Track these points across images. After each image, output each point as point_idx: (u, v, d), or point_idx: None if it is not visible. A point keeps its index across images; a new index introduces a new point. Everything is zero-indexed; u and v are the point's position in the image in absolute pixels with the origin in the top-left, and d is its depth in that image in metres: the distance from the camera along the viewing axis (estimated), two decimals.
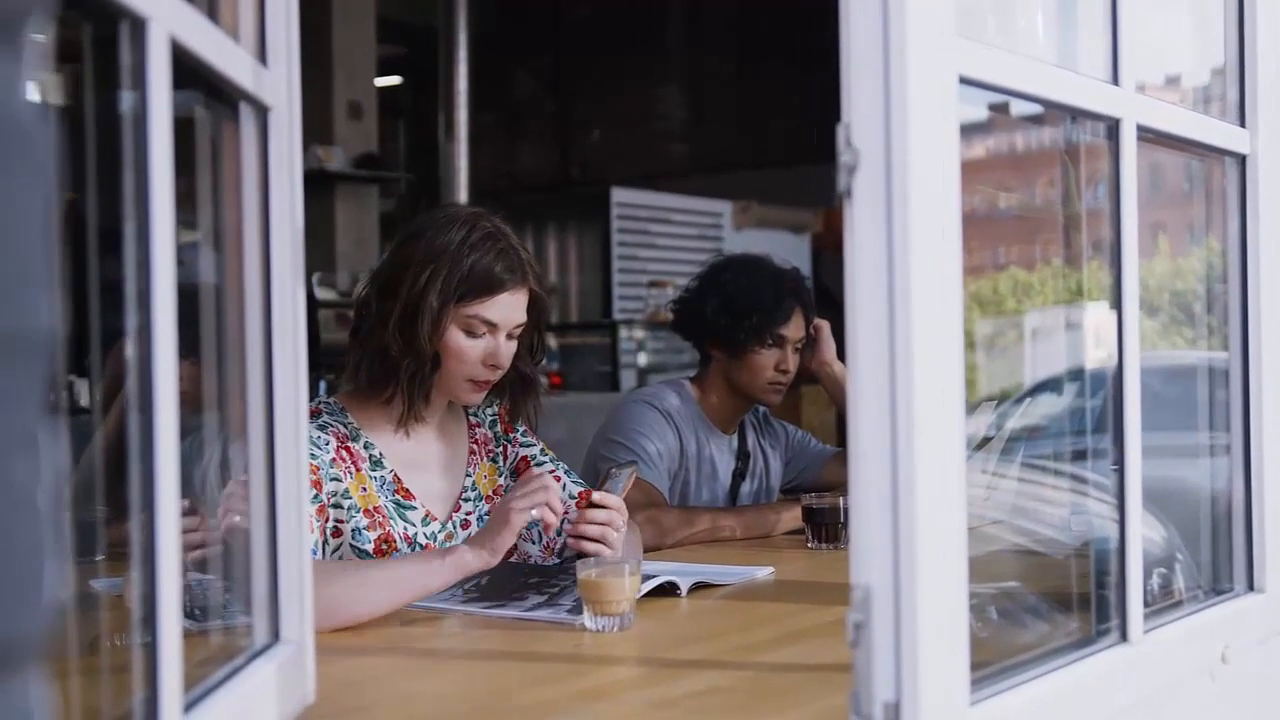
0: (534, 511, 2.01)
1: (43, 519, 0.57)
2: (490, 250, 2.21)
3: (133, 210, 1.03)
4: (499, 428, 2.46)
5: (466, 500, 2.37)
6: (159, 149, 1.03)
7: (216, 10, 1.28)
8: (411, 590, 1.99)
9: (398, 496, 2.26)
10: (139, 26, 1.01)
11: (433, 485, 2.33)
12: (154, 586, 1.02)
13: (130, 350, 1.03)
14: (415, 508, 2.27)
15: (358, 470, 2.22)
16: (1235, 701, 1.76)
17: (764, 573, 2.38)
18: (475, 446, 2.41)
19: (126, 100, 1.03)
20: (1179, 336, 2.13)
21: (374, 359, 2.23)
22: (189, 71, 1.13)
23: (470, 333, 2.22)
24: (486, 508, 2.37)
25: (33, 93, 0.60)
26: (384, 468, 2.26)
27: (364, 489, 2.21)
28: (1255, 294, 1.84)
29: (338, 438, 2.21)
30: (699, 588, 2.21)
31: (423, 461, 2.32)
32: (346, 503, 2.18)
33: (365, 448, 2.25)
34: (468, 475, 2.38)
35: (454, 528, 2.32)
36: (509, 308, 2.23)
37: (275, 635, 1.39)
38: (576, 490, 2.43)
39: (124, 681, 1.12)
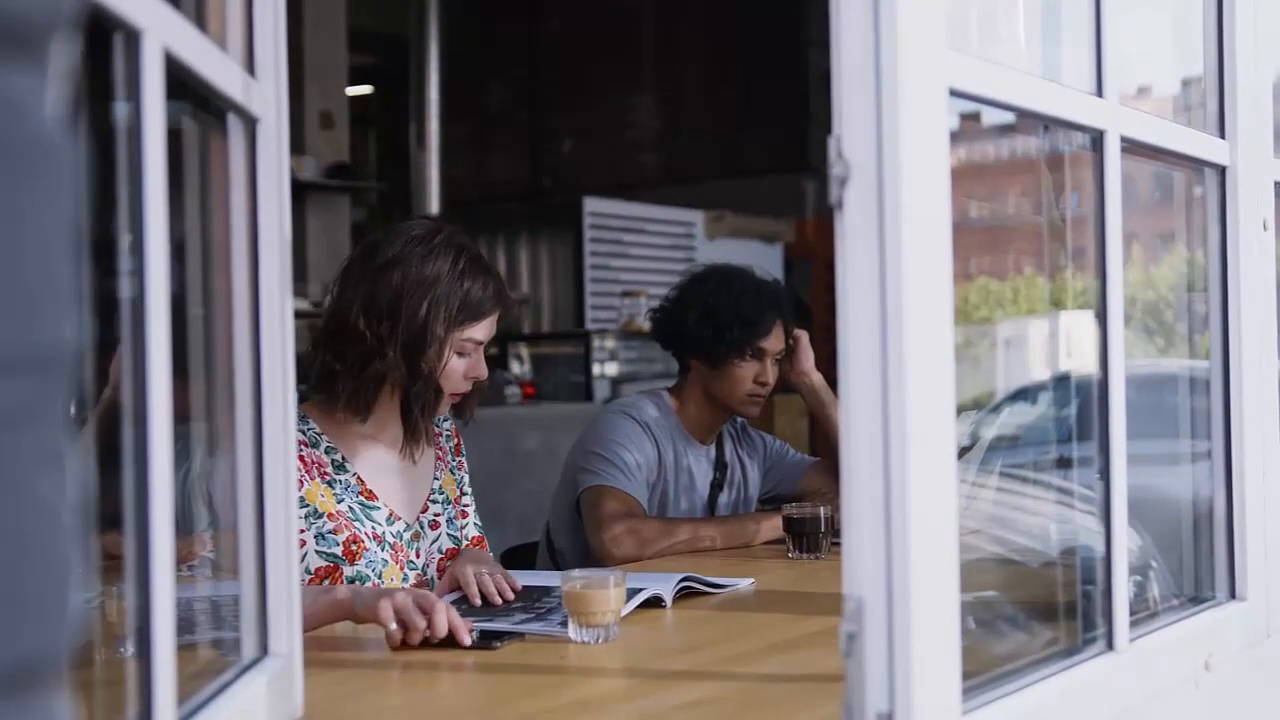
0: (393, 625, 1.83)
1: (68, 535, 0.57)
2: (480, 276, 2.32)
3: (126, 221, 1.02)
4: (451, 444, 2.54)
5: (435, 502, 2.43)
6: (153, 160, 1.02)
7: (204, 20, 1.28)
8: None
9: (361, 498, 2.30)
10: (133, 38, 1.00)
11: (399, 488, 2.37)
12: (148, 601, 1.01)
13: (125, 362, 1.02)
14: (379, 508, 2.32)
15: (312, 478, 2.26)
16: (1219, 709, 1.77)
17: (746, 583, 2.38)
18: (440, 453, 2.49)
19: (120, 111, 1.02)
20: (1151, 346, 2.14)
21: (374, 385, 2.28)
22: (178, 82, 1.13)
23: (461, 353, 2.32)
24: (453, 511, 2.46)
25: (56, 108, 0.59)
26: (348, 471, 2.31)
27: (322, 495, 2.25)
28: (1235, 303, 1.85)
29: None
30: (685, 595, 2.21)
31: (388, 465, 2.37)
32: (304, 510, 2.21)
33: (327, 453, 2.30)
34: (435, 478, 2.45)
35: (422, 527, 2.39)
36: (492, 325, 2.36)
37: (264, 649, 1.38)
38: (473, 534, 2.50)
39: (112, 695, 1.12)
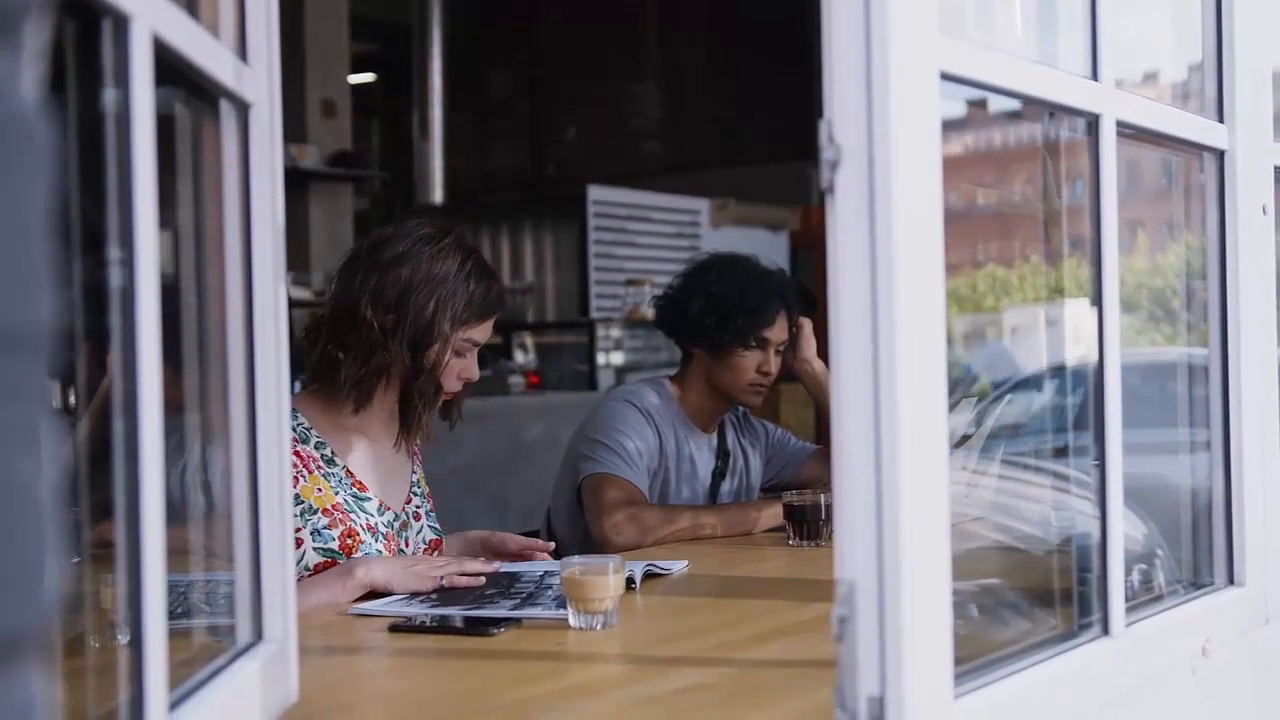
0: (444, 581, 2.15)
1: (45, 514, 0.58)
2: (484, 279, 2.36)
3: (115, 209, 1.02)
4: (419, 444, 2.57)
5: (416, 494, 2.48)
6: (142, 146, 1.02)
7: (196, 6, 1.28)
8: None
9: (354, 489, 2.34)
10: (121, 24, 1.00)
11: (385, 480, 2.41)
12: (139, 587, 1.02)
13: (114, 352, 1.02)
14: (370, 498, 2.36)
15: (310, 473, 2.28)
16: (1216, 694, 1.77)
17: (679, 566, 2.41)
18: (417, 450, 2.53)
19: (108, 97, 1.02)
20: (1157, 333, 2.13)
21: (376, 376, 2.31)
22: (169, 68, 1.13)
23: (459, 353, 2.35)
24: (429, 505, 2.51)
25: (31, 89, 0.59)
26: (337, 465, 2.34)
27: (319, 489, 2.29)
28: (1234, 289, 1.85)
29: None
30: (648, 577, 2.26)
31: (374, 458, 2.41)
32: (299, 507, 2.23)
33: (316, 448, 2.33)
34: (414, 472, 2.50)
35: (407, 517, 2.44)
36: (489, 328, 2.40)
37: (258, 634, 1.39)
38: (430, 536, 2.50)
39: (106, 682, 1.12)
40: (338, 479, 2.31)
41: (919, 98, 1.21)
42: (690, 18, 9.79)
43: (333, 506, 2.27)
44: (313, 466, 2.29)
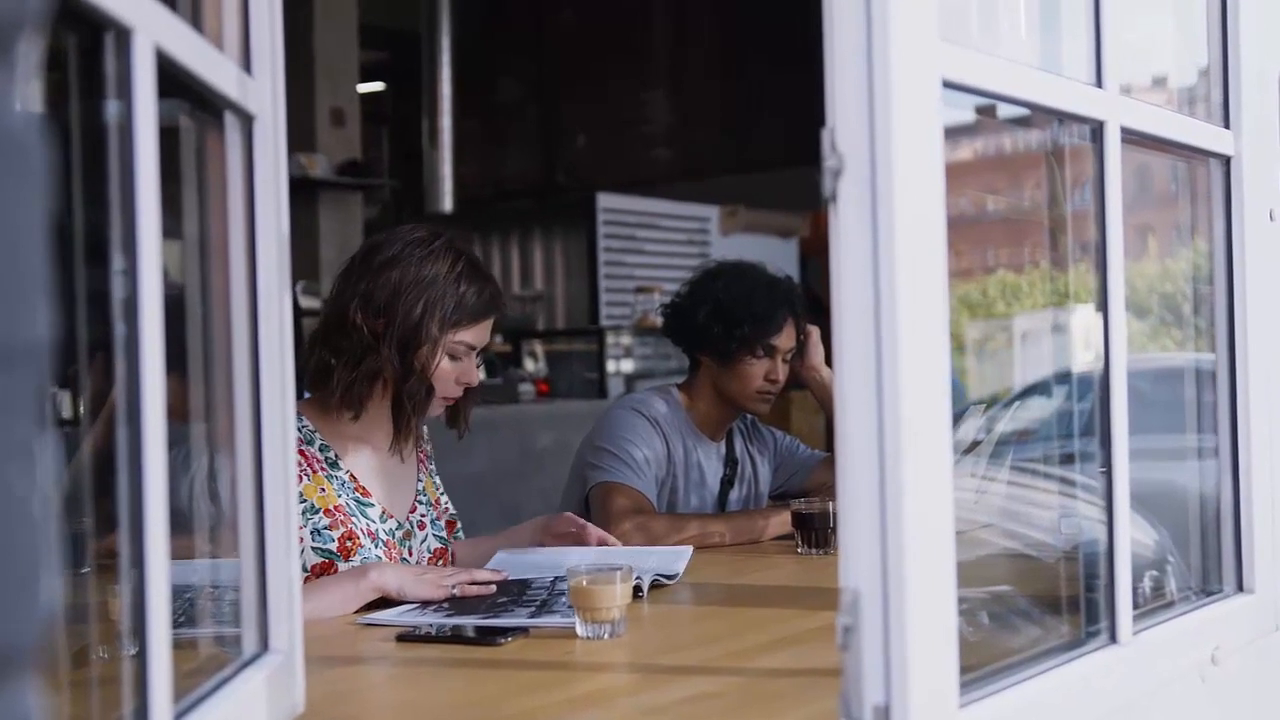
0: (455, 590, 2.16)
1: (39, 528, 0.58)
2: (476, 281, 2.35)
3: (118, 220, 1.02)
4: (429, 449, 2.58)
5: (421, 503, 2.48)
6: (145, 158, 1.03)
7: (200, 18, 1.28)
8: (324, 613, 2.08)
9: (357, 494, 2.34)
10: (124, 36, 1.01)
11: (389, 488, 2.41)
12: (143, 598, 1.02)
13: (118, 362, 1.02)
14: (373, 505, 2.36)
15: (314, 473, 2.29)
16: (1225, 702, 1.77)
17: (685, 553, 2.44)
18: (422, 458, 2.53)
19: (111, 109, 1.03)
20: (1168, 339, 2.13)
21: (367, 380, 2.31)
22: (173, 80, 1.13)
23: (453, 356, 2.35)
24: (435, 513, 2.50)
25: (27, 103, 0.60)
26: (341, 469, 2.34)
27: (322, 490, 2.29)
28: (1241, 295, 1.84)
29: None
30: (655, 587, 2.26)
31: (378, 466, 2.41)
32: (301, 506, 2.23)
33: (321, 450, 2.33)
34: (419, 480, 2.49)
35: (411, 526, 2.43)
36: (487, 331, 2.39)
37: (264, 645, 1.39)
38: (435, 546, 2.49)
39: (113, 693, 1.12)
40: (340, 482, 2.32)
41: (921, 105, 1.21)
42: (698, 24, 9.79)
43: (335, 508, 2.28)
44: (316, 467, 2.30)
